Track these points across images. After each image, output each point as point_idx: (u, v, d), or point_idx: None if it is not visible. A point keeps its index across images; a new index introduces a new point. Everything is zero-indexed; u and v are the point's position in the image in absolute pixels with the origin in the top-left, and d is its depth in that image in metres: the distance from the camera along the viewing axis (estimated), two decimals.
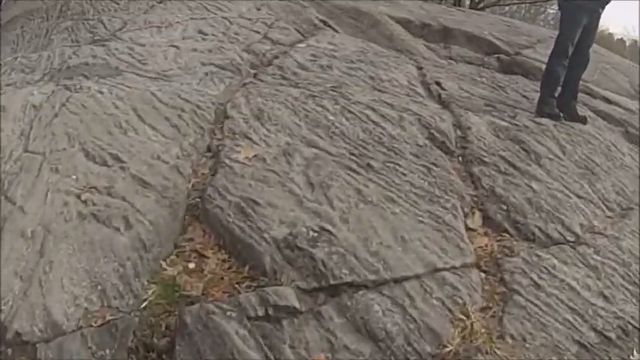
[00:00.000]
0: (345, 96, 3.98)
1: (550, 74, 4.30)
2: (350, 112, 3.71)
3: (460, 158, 3.45)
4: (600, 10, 4.29)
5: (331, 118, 3.61)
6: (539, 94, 4.37)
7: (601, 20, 4.36)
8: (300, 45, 5.41)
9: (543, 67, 4.65)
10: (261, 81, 4.35)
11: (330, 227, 2.65)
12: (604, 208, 3.33)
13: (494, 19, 8.45)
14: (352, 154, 3.23)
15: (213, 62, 4.62)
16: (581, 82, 4.55)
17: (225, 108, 3.75)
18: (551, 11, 16.20)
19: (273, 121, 3.55)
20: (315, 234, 2.60)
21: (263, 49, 5.05)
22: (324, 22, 6.27)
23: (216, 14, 6.01)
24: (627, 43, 25.03)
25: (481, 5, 13.54)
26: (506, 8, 16.35)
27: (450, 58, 5.97)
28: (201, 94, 3.92)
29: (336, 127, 3.50)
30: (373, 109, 3.78)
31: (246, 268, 2.53)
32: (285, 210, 2.76)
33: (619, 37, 24.85)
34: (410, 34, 6.31)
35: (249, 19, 5.97)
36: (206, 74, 4.36)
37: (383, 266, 2.47)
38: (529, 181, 3.26)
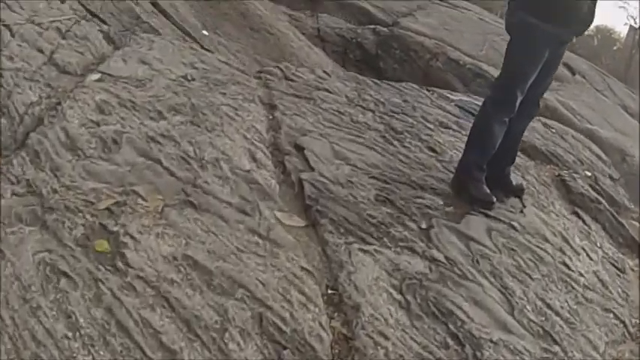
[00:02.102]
0: (118, 271, 2.00)
1: (483, 134, 2.80)
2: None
3: None
4: (573, 40, 2.82)
5: None
6: (461, 161, 2.83)
7: None
8: (92, 76, 3.32)
9: (426, 42, 3.13)
10: None
11: None
12: None
13: None
14: None
15: None
16: (470, 59, 3.05)
17: None
18: None
19: None
20: None
21: (26, 104, 2.85)
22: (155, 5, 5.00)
23: None
24: None
25: None
26: None
27: (318, 36, 4.82)
28: None
29: None
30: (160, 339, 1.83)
31: None
32: None
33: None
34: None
35: (40, 25, 3.92)
36: None
37: None
38: None
